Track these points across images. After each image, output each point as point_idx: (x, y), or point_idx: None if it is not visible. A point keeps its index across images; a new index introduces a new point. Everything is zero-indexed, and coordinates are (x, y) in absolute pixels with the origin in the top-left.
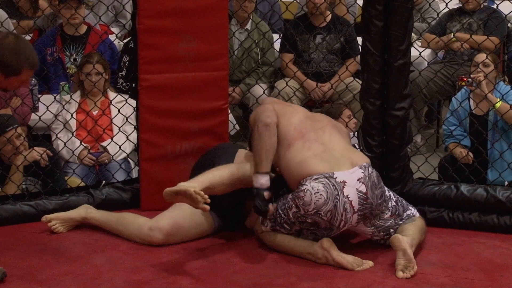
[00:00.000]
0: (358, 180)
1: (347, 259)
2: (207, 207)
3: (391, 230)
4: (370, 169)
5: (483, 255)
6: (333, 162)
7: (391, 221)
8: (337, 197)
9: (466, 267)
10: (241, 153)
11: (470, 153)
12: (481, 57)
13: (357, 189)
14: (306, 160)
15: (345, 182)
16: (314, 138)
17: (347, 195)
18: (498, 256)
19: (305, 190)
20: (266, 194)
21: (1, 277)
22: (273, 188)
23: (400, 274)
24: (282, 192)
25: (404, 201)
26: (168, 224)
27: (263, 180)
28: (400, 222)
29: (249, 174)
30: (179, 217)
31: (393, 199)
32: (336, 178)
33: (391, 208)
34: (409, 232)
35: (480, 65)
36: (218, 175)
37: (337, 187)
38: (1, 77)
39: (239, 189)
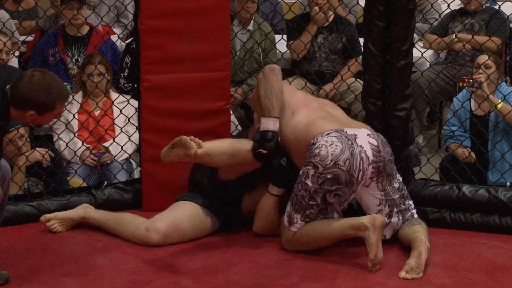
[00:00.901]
0: (367, 135)
1: (379, 252)
2: (198, 151)
3: (393, 213)
4: (375, 132)
5: (485, 256)
6: (340, 123)
7: (397, 196)
8: (352, 146)
9: (468, 267)
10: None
11: (472, 153)
12: (483, 58)
13: (368, 141)
14: (313, 121)
15: (356, 135)
16: (318, 107)
17: (361, 145)
18: (499, 257)
19: (320, 146)
20: (270, 136)
21: (4, 281)
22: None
23: (402, 274)
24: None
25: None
26: (165, 225)
27: (271, 124)
28: (401, 217)
29: (248, 148)
30: (177, 218)
31: (399, 176)
32: (347, 131)
33: (398, 181)
34: (425, 234)
35: (481, 67)
36: (217, 144)
37: (350, 138)
38: (35, 115)
39: (237, 184)
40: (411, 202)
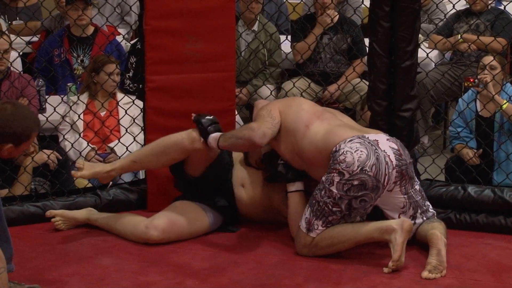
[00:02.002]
0: (387, 140)
1: (403, 255)
2: (80, 174)
3: (417, 214)
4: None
5: (490, 256)
6: (357, 130)
7: (419, 198)
8: (376, 151)
9: (473, 268)
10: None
11: (477, 155)
12: (488, 59)
13: (389, 146)
14: (332, 130)
15: (377, 140)
16: (330, 117)
17: (384, 150)
18: (505, 257)
19: (344, 152)
20: (207, 127)
21: None
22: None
23: (425, 274)
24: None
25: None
26: (164, 222)
27: (212, 140)
28: (425, 218)
29: (177, 137)
30: (174, 214)
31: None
32: (368, 137)
33: (418, 183)
34: (442, 231)
35: (487, 67)
36: (144, 148)
37: (372, 144)
38: (11, 148)
39: (207, 178)
40: (429, 203)
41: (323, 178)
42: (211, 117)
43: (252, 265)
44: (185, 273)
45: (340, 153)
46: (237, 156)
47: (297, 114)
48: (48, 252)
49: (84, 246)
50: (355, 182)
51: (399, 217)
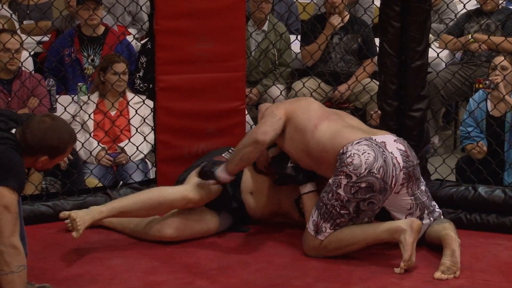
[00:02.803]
0: (394, 141)
1: (413, 255)
2: (74, 235)
3: (424, 215)
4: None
5: (501, 257)
6: (364, 132)
7: (426, 198)
8: (384, 153)
9: (484, 268)
10: (192, 175)
11: (484, 147)
12: (499, 59)
13: (396, 147)
14: (339, 131)
15: (385, 142)
16: (338, 118)
17: (391, 152)
18: None
19: (352, 154)
20: (212, 182)
21: None
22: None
23: (438, 274)
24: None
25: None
26: (177, 220)
27: (223, 177)
28: (432, 218)
29: (172, 197)
30: (186, 213)
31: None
32: (375, 139)
33: (424, 183)
34: (454, 231)
35: (498, 68)
36: (133, 200)
37: (380, 146)
38: (46, 160)
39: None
40: (435, 203)
41: (330, 181)
42: (207, 163)
43: (262, 265)
44: (194, 273)
45: (347, 155)
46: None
47: (307, 113)
48: (59, 252)
49: (94, 246)
50: (363, 185)
51: (405, 218)
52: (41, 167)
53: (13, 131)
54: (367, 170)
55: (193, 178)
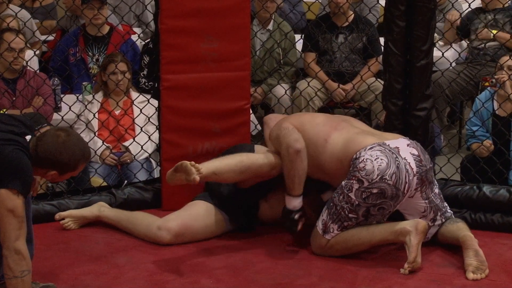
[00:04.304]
0: (407, 145)
1: (418, 256)
2: (197, 178)
3: (437, 217)
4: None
5: (506, 256)
6: (376, 136)
7: (439, 201)
8: (397, 159)
9: (489, 268)
10: (259, 148)
11: (492, 146)
12: (506, 59)
13: (410, 152)
14: (351, 138)
15: (398, 147)
16: (347, 126)
17: (405, 157)
18: None
19: (365, 160)
20: (297, 216)
21: None
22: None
23: (471, 275)
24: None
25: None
26: (177, 225)
27: (296, 203)
28: (444, 219)
29: (261, 162)
30: (189, 217)
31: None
32: (389, 145)
33: (437, 186)
34: (469, 230)
35: (504, 68)
36: (225, 161)
37: (393, 151)
38: (55, 175)
39: (253, 192)
40: (446, 204)
41: (343, 183)
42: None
43: (267, 265)
44: (199, 272)
45: (360, 160)
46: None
47: (314, 129)
48: (63, 251)
49: (99, 245)
50: (374, 191)
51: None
52: (51, 180)
53: (28, 137)
54: (379, 176)
55: (266, 150)
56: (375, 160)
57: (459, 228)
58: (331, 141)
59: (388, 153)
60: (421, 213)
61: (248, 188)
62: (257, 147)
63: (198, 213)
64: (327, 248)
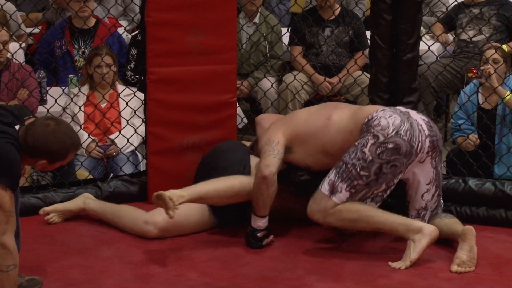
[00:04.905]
0: (417, 113)
1: (416, 257)
2: (172, 214)
3: (435, 196)
4: None
5: (491, 250)
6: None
7: (441, 179)
8: (409, 118)
9: None
10: (254, 162)
11: (478, 140)
12: (491, 52)
13: (420, 117)
14: (358, 109)
15: (408, 112)
16: (346, 105)
17: (416, 119)
18: (506, 251)
19: (378, 117)
20: (260, 234)
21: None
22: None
23: (455, 268)
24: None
25: None
26: (164, 220)
27: (261, 223)
28: (440, 210)
29: (250, 189)
30: (176, 213)
31: None
32: (399, 108)
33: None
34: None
35: (489, 61)
36: (213, 186)
37: (404, 113)
38: (45, 164)
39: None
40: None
41: (356, 143)
42: (246, 237)
43: (253, 258)
44: (186, 265)
45: (374, 119)
46: (253, 167)
47: (309, 118)
48: (49, 244)
49: (85, 238)
50: (390, 146)
51: (422, 196)
52: (40, 169)
53: (17, 127)
54: (394, 131)
55: (254, 159)
56: (389, 117)
57: (457, 222)
58: (334, 118)
59: (400, 114)
60: (426, 185)
61: None
62: (253, 160)
63: (186, 208)
64: (330, 213)
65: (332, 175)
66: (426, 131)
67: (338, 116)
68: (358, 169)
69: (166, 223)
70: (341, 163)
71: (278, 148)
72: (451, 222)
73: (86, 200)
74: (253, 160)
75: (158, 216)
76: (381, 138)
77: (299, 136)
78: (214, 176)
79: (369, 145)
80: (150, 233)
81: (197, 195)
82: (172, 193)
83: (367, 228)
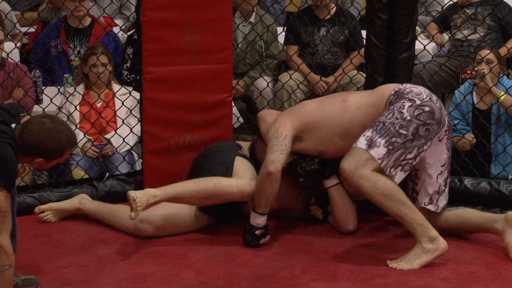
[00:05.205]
0: None
1: (418, 268)
2: (132, 215)
3: (443, 185)
4: None
5: (487, 249)
6: None
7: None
8: (431, 93)
9: (470, 260)
10: (238, 164)
11: (473, 138)
12: (485, 52)
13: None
14: (377, 89)
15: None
16: (356, 91)
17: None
18: (501, 250)
19: (409, 87)
20: (258, 232)
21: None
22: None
23: None
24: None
25: None
26: (159, 218)
27: (260, 220)
28: (445, 201)
29: (229, 191)
30: (171, 211)
31: None
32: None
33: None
34: None
35: (483, 61)
36: (188, 186)
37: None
38: (42, 162)
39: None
40: None
41: (391, 107)
42: (244, 233)
43: (248, 257)
44: (181, 265)
45: (405, 88)
46: (240, 168)
47: (320, 105)
48: (45, 243)
49: (80, 238)
50: (426, 109)
51: (437, 178)
52: (37, 167)
53: (13, 125)
54: (428, 97)
55: (245, 171)
56: (416, 87)
57: (476, 211)
58: (352, 99)
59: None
60: (440, 167)
61: None
62: (237, 161)
63: (180, 206)
64: (365, 169)
65: (368, 132)
66: (444, 110)
67: (355, 97)
68: (397, 127)
69: (162, 221)
70: (377, 123)
71: (285, 143)
72: (476, 212)
73: (82, 200)
74: (240, 162)
75: (153, 216)
76: (418, 102)
77: (311, 124)
78: (199, 176)
79: (406, 107)
80: (145, 232)
81: (171, 195)
82: (139, 194)
83: (390, 211)
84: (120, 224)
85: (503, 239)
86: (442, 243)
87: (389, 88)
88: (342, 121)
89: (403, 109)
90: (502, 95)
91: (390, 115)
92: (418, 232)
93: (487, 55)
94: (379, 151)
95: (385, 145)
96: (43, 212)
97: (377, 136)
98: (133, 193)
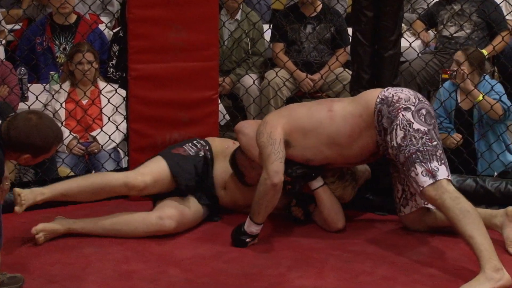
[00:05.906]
0: None
1: None
2: (17, 209)
3: None
4: None
5: None
6: None
7: None
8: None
9: (456, 257)
10: (151, 160)
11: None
12: (459, 55)
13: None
14: (360, 95)
15: None
16: (340, 98)
17: None
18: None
19: (394, 94)
20: (249, 239)
21: (21, 284)
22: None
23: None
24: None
25: None
26: (175, 212)
27: (254, 229)
28: None
29: (114, 184)
30: (179, 205)
31: None
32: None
33: None
34: None
35: (459, 62)
36: (77, 182)
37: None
38: (29, 158)
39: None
40: None
41: (398, 129)
42: (233, 232)
43: (235, 255)
44: (167, 262)
45: (389, 96)
46: (216, 155)
47: (309, 111)
48: (30, 241)
49: (66, 235)
50: (424, 112)
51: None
52: (24, 163)
53: None
54: (416, 98)
55: (146, 168)
56: (401, 91)
57: (479, 208)
58: (336, 108)
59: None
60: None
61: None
62: (157, 158)
63: (181, 200)
64: (442, 190)
65: (418, 169)
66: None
67: (339, 106)
68: (430, 144)
69: (179, 214)
70: (413, 156)
71: (281, 149)
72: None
73: (67, 221)
74: (156, 159)
75: (167, 210)
76: (412, 108)
77: (300, 130)
78: None
79: (413, 120)
80: (169, 227)
81: (59, 191)
82: (26, 191)
83: (463, 228)
84: (134, 229)
85: (501, 234)
86: (506, 275)
87: (373, 96)
88: (329, 131)
89: (412, 124)
90: (480, 98)
91: (413, 140)
92: (485, 258)
93: (465, 59)
94: (441, 173)
95: (440, 164)
96: (38, 233)
97: (428, 163)
98: (18, 189)
